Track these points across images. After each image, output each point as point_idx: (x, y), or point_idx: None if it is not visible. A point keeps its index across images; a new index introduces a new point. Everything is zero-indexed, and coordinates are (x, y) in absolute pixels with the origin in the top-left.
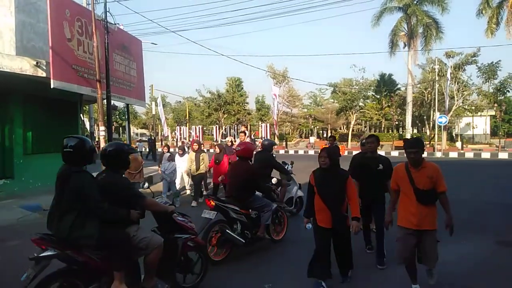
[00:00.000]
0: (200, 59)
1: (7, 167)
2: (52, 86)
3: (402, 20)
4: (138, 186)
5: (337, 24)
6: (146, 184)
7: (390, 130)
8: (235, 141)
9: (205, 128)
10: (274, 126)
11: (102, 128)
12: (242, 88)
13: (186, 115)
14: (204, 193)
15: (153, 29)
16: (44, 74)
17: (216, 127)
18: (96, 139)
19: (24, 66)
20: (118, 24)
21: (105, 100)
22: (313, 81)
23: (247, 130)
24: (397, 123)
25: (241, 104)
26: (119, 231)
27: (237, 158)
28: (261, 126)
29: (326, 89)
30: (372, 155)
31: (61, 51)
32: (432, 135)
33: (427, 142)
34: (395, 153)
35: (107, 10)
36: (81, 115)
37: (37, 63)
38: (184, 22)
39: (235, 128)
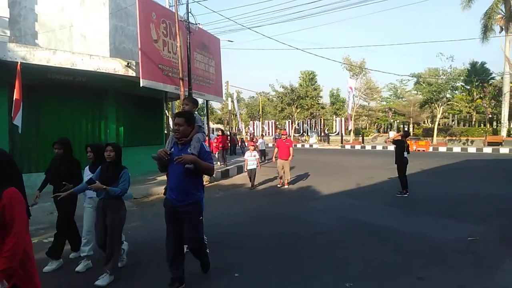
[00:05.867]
0: (274, 54)
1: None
2: (141, 85)
3: (499, 1)
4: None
5: (420, 9)
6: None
7: (482, 124)
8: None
9: (278, 123)
10: (349, 120)
11: None
12: (316, 82)
13: (259, 110)
14: None
15: (229, 27)
16: (134, 74)
17: (289, 121)
18: None
19: (117, 66)
20: (198, 23)
21: None
22: (394, 71)
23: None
24: (490, 116)
25: (314, 98)
26: None
27: None
28: (335, 120)
29: (408, 80)
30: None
31: (149, 52)
32: None
33: None
34: (488, 150)
35: (189, 11)
36: (166, 111)
37: (128, 63)
38: (259, 18)
39: (308, 122)
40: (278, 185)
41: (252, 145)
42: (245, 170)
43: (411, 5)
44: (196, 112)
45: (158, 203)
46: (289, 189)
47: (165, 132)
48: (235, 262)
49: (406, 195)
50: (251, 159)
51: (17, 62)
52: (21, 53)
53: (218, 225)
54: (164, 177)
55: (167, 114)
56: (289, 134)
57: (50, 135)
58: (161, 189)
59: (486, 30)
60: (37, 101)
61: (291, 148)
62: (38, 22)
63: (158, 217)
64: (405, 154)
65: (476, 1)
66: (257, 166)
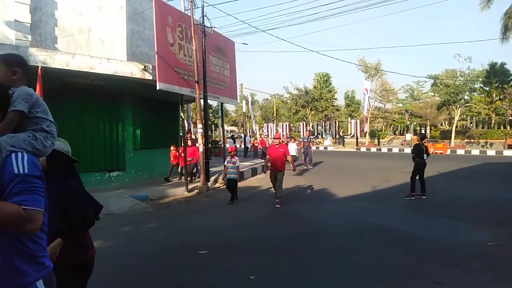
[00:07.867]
0: (288, 56)
1: (120, 161)
2: (157, 88)
3: None
4: None
5: (437, 10)
6: None
7: (502, 127)
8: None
9: (292, 125)
10: (364, 122)
11: (199, 125)
12: (331, 84)
13: (273, 112)
14: None
15: (244, 30)
16: (150, 77)
17: (303, 124)
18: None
19: (134, 70)
20: (213, 27)
21: (202, 100)
22: (410, 73)
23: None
24: (511, 118)
25: (329, 100)
26: None
27: None
28: (350, 122)
29: (425, 82)
30: None
31: (165, 55)
32: None
33: None
34: (508, 152)
35: (204, 14)
36: (181, 114)
37: (144, 67)
38: (273, 20)
39: (323, 125)
40: (277, 205)
41: (232, 150)
42: (223, 179)
43: (428, 6)
44: (23, 86)
45: (174, 205)
46: (304, 191)
47: (180, 134)
48: (250, 264)
49: (414, 198)
50: (231, 167)
51: (38, 66)
52: (41, 57)
53: (231, 228)
54: (180, 179)
55: (183, 117)
56: (304, 135)
57: (69, 137)
58: (177, 191)
59: (506, 30)
60: (56, 105)
61: (289, 157)
62: (58, 27)
63: (173, 219)
64: (425, 157)
65: (495, 1)
66: (237, 174)
